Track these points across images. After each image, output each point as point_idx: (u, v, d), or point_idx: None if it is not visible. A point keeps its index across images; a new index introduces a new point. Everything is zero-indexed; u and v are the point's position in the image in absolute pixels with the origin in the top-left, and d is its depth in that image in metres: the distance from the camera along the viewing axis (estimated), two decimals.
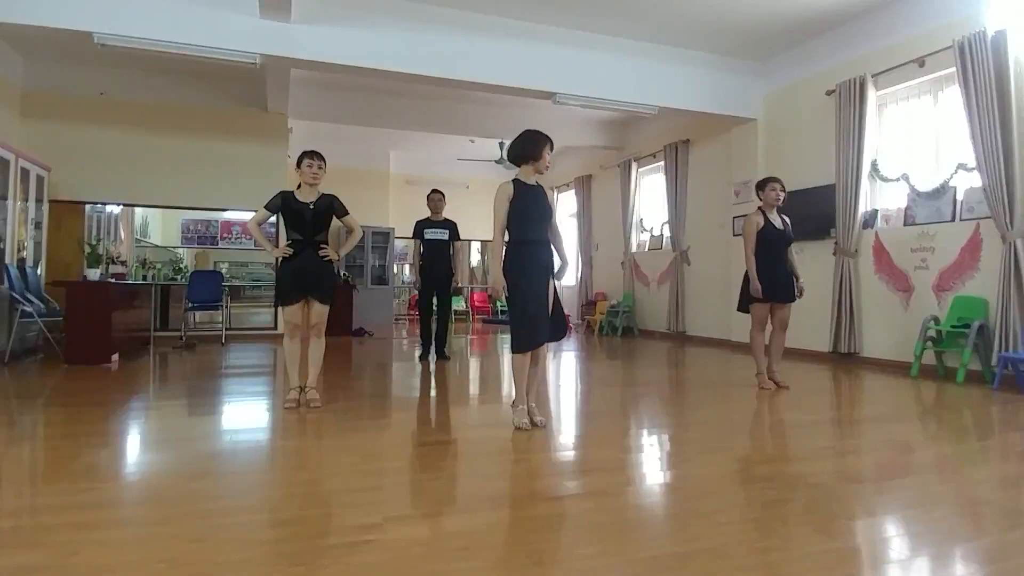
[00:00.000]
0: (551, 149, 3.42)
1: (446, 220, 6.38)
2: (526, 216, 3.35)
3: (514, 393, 3.46)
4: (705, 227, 8.50)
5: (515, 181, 3.40)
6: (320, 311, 3.92)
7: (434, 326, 6.44)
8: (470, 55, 6.36)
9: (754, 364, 4.83)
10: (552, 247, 3.50)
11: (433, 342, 6.40)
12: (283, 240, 4.03)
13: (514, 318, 3.39)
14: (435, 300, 6.42)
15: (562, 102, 6.91)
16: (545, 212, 3.44)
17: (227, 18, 5.54)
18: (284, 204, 3.86)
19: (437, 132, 9.59)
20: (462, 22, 6.29)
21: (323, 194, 3.94)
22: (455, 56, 6.30)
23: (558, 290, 3.53)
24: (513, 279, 3.33)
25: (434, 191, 6.48)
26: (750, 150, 7.69)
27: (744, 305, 4.77)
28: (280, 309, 3.98)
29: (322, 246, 3.91)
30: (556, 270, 3.49)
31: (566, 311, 3.50)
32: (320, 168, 3.88)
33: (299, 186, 3.92)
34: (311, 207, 3.87)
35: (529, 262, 3.33)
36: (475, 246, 14.73)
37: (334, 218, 4.01)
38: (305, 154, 3.88)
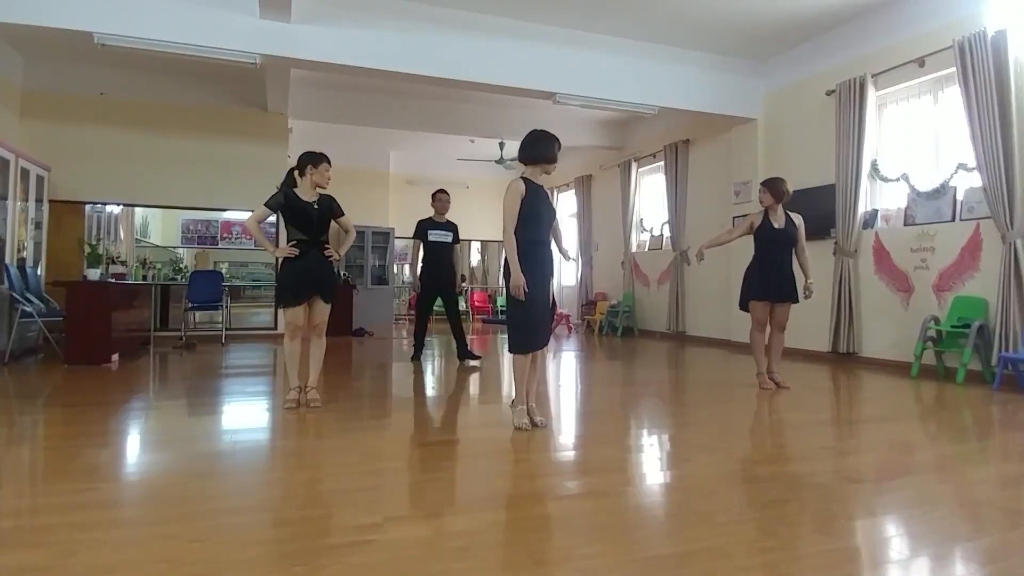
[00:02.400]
0: (559, 149, 3.42)
1: (449, 221, 6.24)
2: (536, 216, 3.33)
3: (514, 393, 3.46)
4: (705, 227, 8.48)
5: (526, 180, 3.37)
6: (322, 311, 3.92)
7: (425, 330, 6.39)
8: (470, 55, 6.36)
9: (754, 364, 4.82)
10: (555, 246, 3.54)
11: (455, 346, 6.23)
12: (283, 240, 4.02)
13: (516, 319, 3.36)
14: (439, 303, 6.30)
15: (562, 102, 6.91)
16: (551, 213, 3.46)
17: (227, 18, 5.54)
18: (287, 203, 3.83)
19: (437, 132, 9.59)
20: (462, 22, 6.29)
21: (322, 194, 3.94)
22: (455, 56, 6.30)
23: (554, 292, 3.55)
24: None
25: (441, 191, 6.28)
26: (750, 150, 7.69)
27: (743, 304, 4.76)
28: (282, 310, 3.96)
29: (326, 246, 3.92)
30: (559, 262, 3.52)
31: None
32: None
33: (293, 184, 3.91)
34: (316, 207, 3.87)
35: (536, 263, 3.32)
36: (475, 246, 14.75)
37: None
38: (325, 157, 3.87)
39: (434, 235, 6.10)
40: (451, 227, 6.22)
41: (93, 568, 1.69)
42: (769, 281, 4.61)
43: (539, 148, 3.38)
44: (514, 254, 3.26)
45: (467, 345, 6.26)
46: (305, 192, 3.88)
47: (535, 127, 3.51)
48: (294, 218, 3.84)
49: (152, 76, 7.83)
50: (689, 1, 6.08)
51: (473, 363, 6.10)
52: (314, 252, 3.85)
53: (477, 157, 11.40)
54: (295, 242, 3.85)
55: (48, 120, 7.55)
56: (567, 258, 3.64)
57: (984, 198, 5.05)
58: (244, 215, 9.67)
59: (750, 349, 4.87)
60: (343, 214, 4.02)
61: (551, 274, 3.45)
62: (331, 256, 3.90)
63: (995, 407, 4.22)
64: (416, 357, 6.34)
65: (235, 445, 3.19)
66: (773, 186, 4.63)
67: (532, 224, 3.32)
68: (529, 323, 3.32)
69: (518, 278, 3.23)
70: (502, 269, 3.43)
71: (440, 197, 6.22)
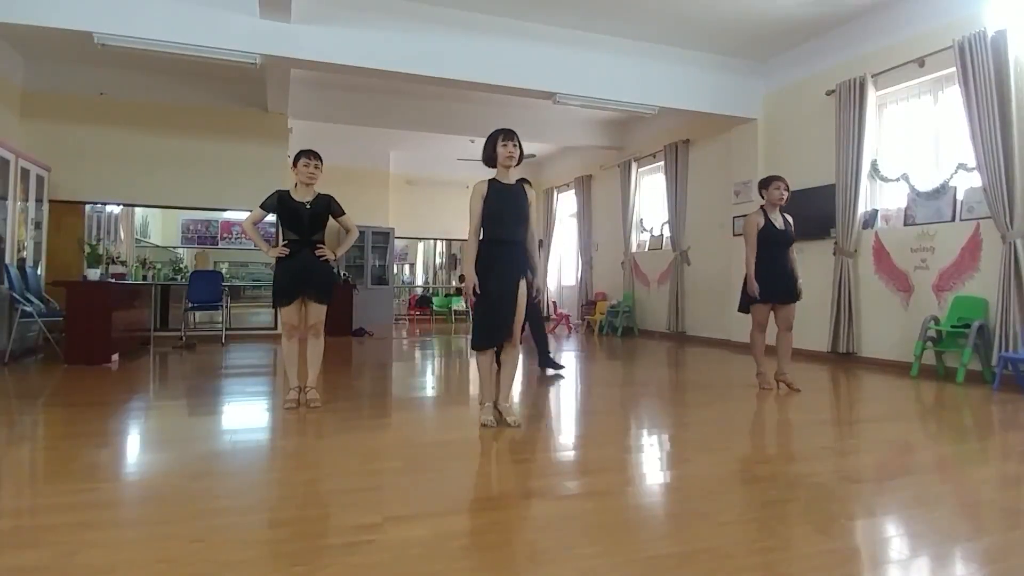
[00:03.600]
0: (506, 139, 3.40)
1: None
2: (498, 216, 3.38)
3: (480, 391, 3.49)
4: (705, 227, 8.50)
5: (491, 180, 3.45)
6: (318, 311, 3.90)
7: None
8: (470, 55, 6.36)
9: (754, 364, 4.82)
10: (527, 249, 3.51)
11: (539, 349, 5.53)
12: (282, 240, 4.02)
13: (476, 314, 3.43)
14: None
15: (562, 102, 6.90)
16: (520, 213, 3.43)
17: (227, 18, 5.54)
18: (280, 203, 3.84)
19: (437, 132, 9.58)
20: (462, 22, 6.29)
21: (320, 194, 3.94)
22: (455, 56, 6.30)
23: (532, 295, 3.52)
24: (480, 277, 3.35)
25: (522, 180, 5.82)
26: (750, 150, 7.69)
27: (744, 306, 4.74)
28: (278, 310, 3.97)
29: (319, 246, 3.90)
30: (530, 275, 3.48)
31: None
32: (317, 168, 3.87)
33: (295, 185, 3.91)
34: (308, 207, 3.86)
35: (498, 261, 3.35)
36: None
37: (330, 218, 4.01)
38: (302, 153, 3.88)
39: None
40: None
41: (93, 568, 1.69)
42: (775, 282, 4.58)
43: (482, 153, 3.49)
44: (469, 254, 3.39)
45: (549, 352, 5.57)
46: (299, 192, 3.88)
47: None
48: (286, 218, 3.87)
49: (152, 76, 7.83)
50: (689, 1, 6.08)
51: (555, 372, 5.48)
52: (305, 252, 3.85)
53: (477, 157, 11.36)
54: (287, 242, 3.87)
55: (48, 120, 7.55)
56: (533, 268, 3.54)
57: (984, 198, 5.05)
58: (244, 215, 9.71)
59: (750, 350, 4.87)
60: (343, 213, 4.00)
61: (520, 274, 3.42)
62: (323, 255, 3.89)
63: (995, 407, 4.22)
64: (550, 364, 5.50)
65: (235, 445, 3.19)
66: (787, 184, 4.64)
67: (492, 224, 3.37)
68: (484, 320, 3.37)
69: (470, 277, 3.35)
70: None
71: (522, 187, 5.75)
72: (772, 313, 4.69)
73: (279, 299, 3.86)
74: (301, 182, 3.87)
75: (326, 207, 3.92)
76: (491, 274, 3.34)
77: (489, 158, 3.48)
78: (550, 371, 5.51)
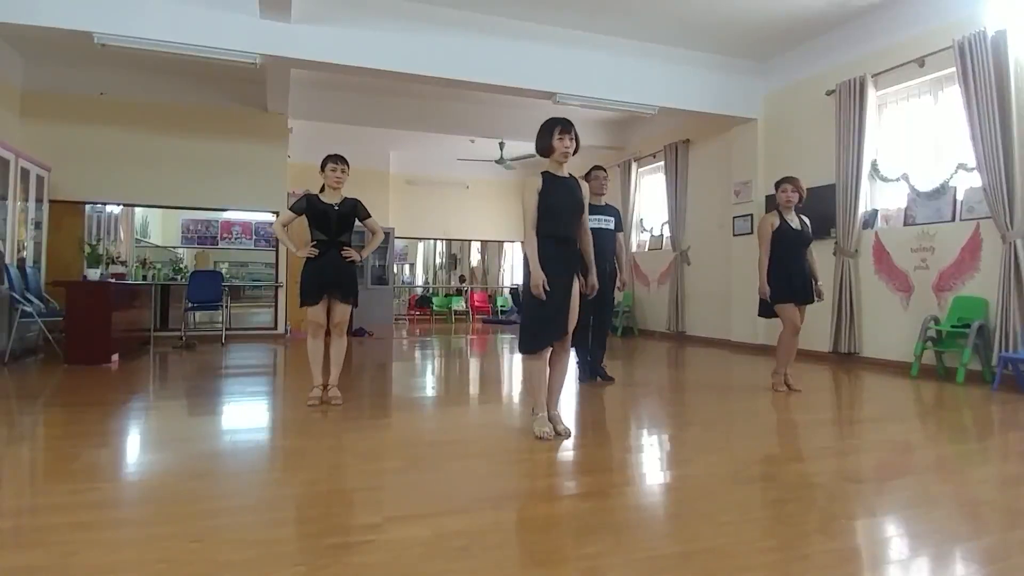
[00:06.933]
0: (563, 132, 3.17)
1: (608, 205, 5.16)
2: (554, 211, 3.13)
3: (532, 399, 3.27)
4: (705, 227, 8.50)
5: (544, 173, 3.21)
6: (343, 310, 4.00)
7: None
8: (470, 55, 6.36)
9: (765, 367, 4.75)
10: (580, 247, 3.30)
11: (589, 358, 4.98)
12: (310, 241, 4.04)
13: (524, 316, 3.26)
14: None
15: (562, 102, 6.90)
16: (577, 207, 3.21)
17: (227, 18, 5.54)
18: (309, 206, 3.96)
19: (437, 132, 9.59)
20: (462, 22, 6.29)
21: (347, 197, 4.04)
22: (455, 56, 6.30)
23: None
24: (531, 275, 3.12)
25: (597, 167, 5.25)
26: (750, 150, 7.68)
27: (767, 310, 4.62)
28: (305, 308, 4.03)
29: (345, 247, 3.99)
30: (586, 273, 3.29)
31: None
32: (344, 172, 3.99)
33: (323, 188, 4.02)
34: (336, 208, 3.97)
35: (552, 259, 3.12)
36: (475, 246, 14.75)
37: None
38: (329, 158, 3.99)
39: (593, 221, 4.68)
40: (612, 212, 5.11)
41: (93, 568, 1.69)
42: (795, 283, 4.52)
43: (536, 142, 3.28)
44: (532, 252, 3.09)
45: (602, 361, 5.10)
46: (327, 195, 4.00)
47: (535, 127, 3.44)
48: (315, 220, 3.97)
49: (152, 76, 7.83)
50: (689, 1, 6.08)
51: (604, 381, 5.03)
52: (332, 252, 3.95)
53: (477, 157, 11.39)
54: (315, 243, 3.97)
55: (48, 120, 7.54)
56: (588, 267, 3.30)
57: (984, 198, 5.05)
58: (244, 215, 9.72)
59: (776, 352, 4.73)
60: (369, 216, 4.12)
61: (574, 272, 3.23)
62: (348, 256, 3.98)
63: (995, 407, 4.22)
64: (588, 376, 4.99)
65: (235, 445, 3.19)
66: (800, 185, 4.58)
67: (550, 220, 3.13)
68: (536, 322, 3.15)
69: (537, 276, 3.04)
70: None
71: (597, 174, 5.19)
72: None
73: (307, 298, 3.94)
74: (329, 186, 3.98)
75: (352, 209, 4.03)
76: (545, 273, 3.07)
77: (544, 148, 3.23)
78: (605, 380, 5.04)
